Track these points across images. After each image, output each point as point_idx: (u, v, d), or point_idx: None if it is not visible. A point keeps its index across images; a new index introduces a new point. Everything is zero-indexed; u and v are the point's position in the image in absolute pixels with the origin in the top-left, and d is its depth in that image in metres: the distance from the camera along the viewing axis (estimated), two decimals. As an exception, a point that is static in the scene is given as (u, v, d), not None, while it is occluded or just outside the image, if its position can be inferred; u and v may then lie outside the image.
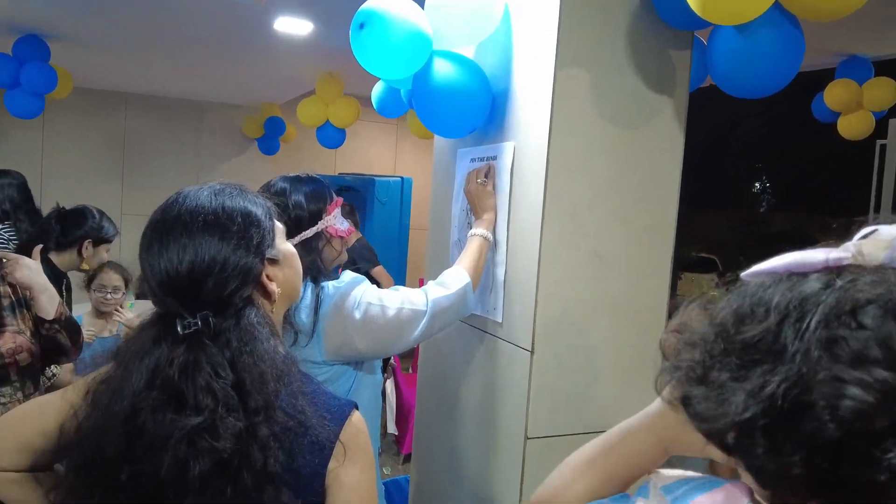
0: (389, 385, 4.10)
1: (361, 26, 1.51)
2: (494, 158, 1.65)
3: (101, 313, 2.82)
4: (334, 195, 1.49)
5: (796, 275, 0.54)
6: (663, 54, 1.52)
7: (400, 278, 5.56)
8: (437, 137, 2.02)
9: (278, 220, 0.98)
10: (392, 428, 4.05)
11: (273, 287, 0.93)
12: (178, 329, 0.83)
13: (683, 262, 10.64)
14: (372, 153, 6.55)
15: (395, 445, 4.10)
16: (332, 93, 4.23)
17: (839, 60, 3.53)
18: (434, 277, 2.00)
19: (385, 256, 5.17)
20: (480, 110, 1.64)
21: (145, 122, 5.80)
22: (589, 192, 1.48)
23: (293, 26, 3.03)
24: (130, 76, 4.87)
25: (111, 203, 5.62)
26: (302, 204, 1.42)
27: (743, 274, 0.58)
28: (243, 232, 0.89)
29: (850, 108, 3.49)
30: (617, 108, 1.49)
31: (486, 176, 1.61)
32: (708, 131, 12.93)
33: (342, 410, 0.90)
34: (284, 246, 0.98)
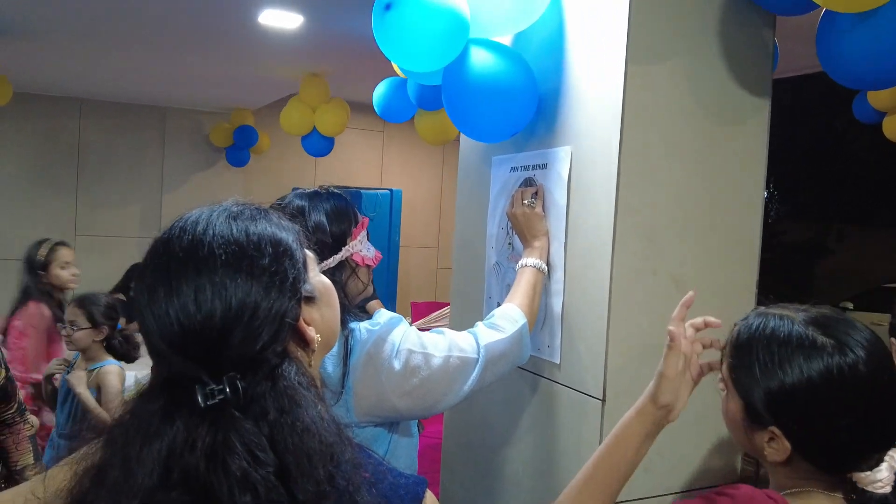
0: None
1: (388, 7, 1.37)
2: (543, 167, 1.51)
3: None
4: (360, 214, 1.34)
5: None
6: (749, 41, 1.40)
7: (390, 302, 5.40)
8: (462, 144, 1.89)
9: (307, 248, 0.85)
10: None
11: (312, 333, 0.79)
12: (199, 399, 0.68)
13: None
14: (355, 164, 6.41)
15: None
16: (318, 96, 4.08)
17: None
18: (462, 311, 1.88)
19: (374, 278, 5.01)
20: (526, 109, 1.50)
21: (102, 130, 5.59)
22: (668, 205, 1.35)
23: (280, 19, 2.88)
24: (85, 79, 4.67)
25: (64, 222, 5.39)
26: (324, 226, 1.27)
27: None
28: (276, 266, 0.75)
29: (900, 108, 3.42)
30: (699, 105, 1.37)
31: (533, 196, 1.47)
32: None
33: (414, 492, 0.78)
34: (318, 279, 0.85)
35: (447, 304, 4.18)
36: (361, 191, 5.58)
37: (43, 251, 2.98)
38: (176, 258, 0.72)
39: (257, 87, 4.70)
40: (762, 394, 0.90)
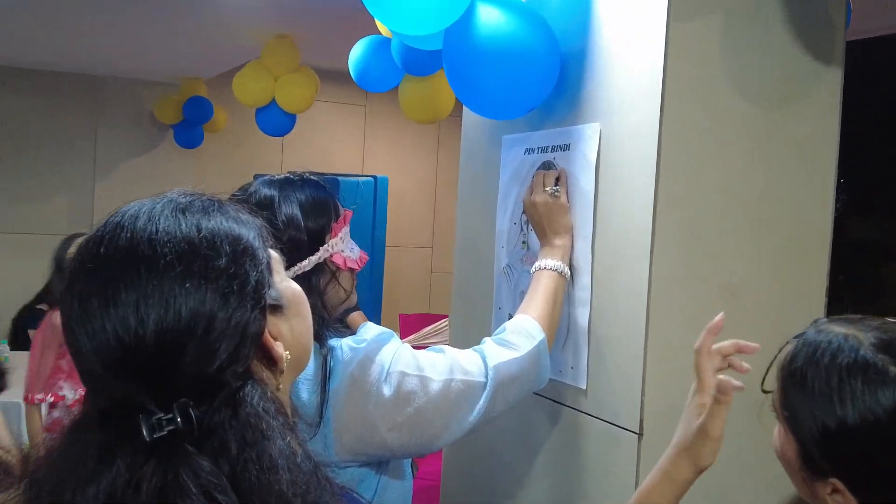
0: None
1: (376, -44, 1.37)
2: (566, 148, 1.52)
3: None
4: (341, 207, 1.34)
5: None
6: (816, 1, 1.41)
7: (374, 314, 5.40)
8: (465, 121, 1.91)
9: (272, 247, 0.86)
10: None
11: (280, 350, 0.81)
12: (144, 431, 0.69)
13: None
14: (332, 145, 6.43)
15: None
16: (285, 63, 4.08)
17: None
18: (464, 324, 1.89)
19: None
20: (545, 78, 1.51)
21: (23, 105, 5.58)
22: (719, 195, 1.37)
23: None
24: (2, 43, 4.66)
25: (-26, 217, 5.38)
26: (298, 220, 1.28)
27: None
28: (235, 268, 0.76)
29: None
30: (757, 76, 1.38)
31: (556, 183, 1.48)
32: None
33: None
34: (286, 284, 0.87)
35: (444, 317, 4.19)
36: (339, 178, 5.58)
37: (73, 250, 3.00)
38: (112, 260, 0.73)
39: (211, 52, 4.70)
40: (819, 435, 0.89)
